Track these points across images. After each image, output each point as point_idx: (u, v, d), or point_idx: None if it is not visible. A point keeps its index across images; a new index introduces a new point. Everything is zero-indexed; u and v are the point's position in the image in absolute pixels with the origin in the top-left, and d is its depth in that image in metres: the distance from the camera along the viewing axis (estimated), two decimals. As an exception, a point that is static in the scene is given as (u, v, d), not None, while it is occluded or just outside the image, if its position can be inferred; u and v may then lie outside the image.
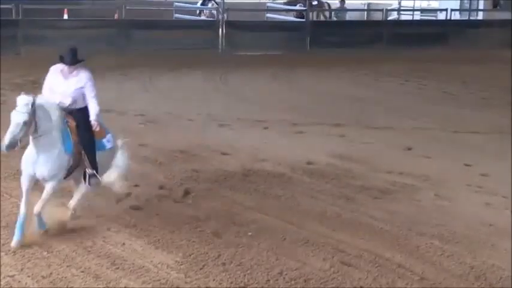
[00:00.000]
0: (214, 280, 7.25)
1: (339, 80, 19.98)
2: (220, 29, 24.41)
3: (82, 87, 8.08)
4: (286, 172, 10.95)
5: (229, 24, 24.83)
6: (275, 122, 14.35)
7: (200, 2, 28.52)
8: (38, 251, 7.63)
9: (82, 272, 7.26)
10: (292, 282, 7.29)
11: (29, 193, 7.84)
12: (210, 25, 25.65)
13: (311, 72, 20.81)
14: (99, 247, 7.85)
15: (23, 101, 7.51)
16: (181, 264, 7.53)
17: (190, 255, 7.74)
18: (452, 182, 10.70)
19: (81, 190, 8.39)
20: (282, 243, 8.22)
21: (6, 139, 7.34)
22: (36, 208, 7.76)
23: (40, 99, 7.73)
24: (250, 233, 8.44)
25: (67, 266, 7.35)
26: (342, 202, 9.73)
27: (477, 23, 28.72)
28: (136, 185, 9.95)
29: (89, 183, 8.22)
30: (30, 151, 7.80)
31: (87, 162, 8.11)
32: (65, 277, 7.14)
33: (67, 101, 8.03)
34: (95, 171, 8.15)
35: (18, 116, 7.44)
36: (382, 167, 11.33)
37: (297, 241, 8.28)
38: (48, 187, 7.84)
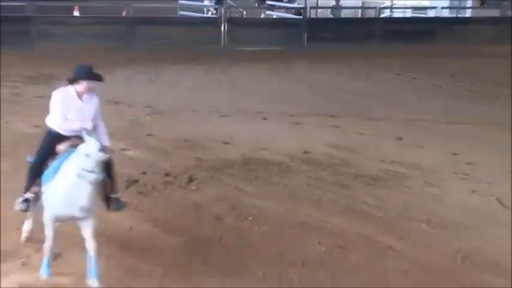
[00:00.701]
0: (216, 262, 7.30)
1: (335, 74, 19.95)
2: (222, 26, 24.42)
3: (96, 109, 6.96)
4: (284, 161, 10.97)
5: (231, 21, 24.85)
6: (274, 113, 14.36)
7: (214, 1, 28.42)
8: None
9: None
10: (290, 263, 7.34)
11: None
12: (213, 22, 25.65)
13: (308, 67, 20.81)
14: (109, 231, 7.85)
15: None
16: (186, 246, 7.58)
17: (194, 238, 7.78)
18: (441, 170, 10.73)
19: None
20: (280, 228, 8.27)
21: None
22: (94, 251, 6.74)
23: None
24: (250, 218, 8.49)
25: (78, 251, 7.33)
26: (337, 189, 9.77)
27: (465, 20, 28.64)
28: (143, 173, 10.01)
29: (116, 209, 7.19)
30: (66, 189, 6.51)
31: (108, 185, 7.02)
32: (75, 260, 7.13)
33: (88, 126, 6.71)
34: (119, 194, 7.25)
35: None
36: (374, 156, 11.35)
37: (295, 225, 8.33)
38: (92, 224, 6.75)
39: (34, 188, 6.99)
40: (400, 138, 12.61)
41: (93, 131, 6.69)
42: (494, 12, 28.51)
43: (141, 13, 24.81)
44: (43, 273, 6.84)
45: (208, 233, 7.98)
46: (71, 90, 6.86)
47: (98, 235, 7.63)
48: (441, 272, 7.29)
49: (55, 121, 6.92)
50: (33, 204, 7.06)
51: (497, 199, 9.48)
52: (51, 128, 7.00)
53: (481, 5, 30.95)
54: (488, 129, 13.41)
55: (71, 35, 22.33)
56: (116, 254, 7.33)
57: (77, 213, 6.60)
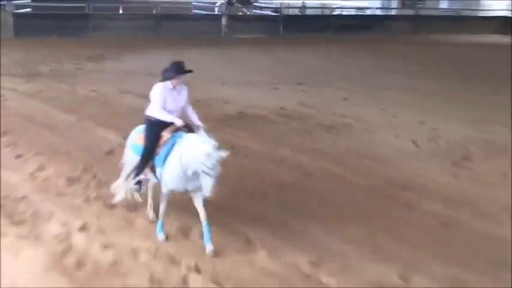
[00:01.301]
0: (222, 185, 7.20)
1: (302, 54, 19.70)
2: (223, 20, 24.20)
3: (186, 97, 6.09)
4: (266, 114, 10.83)
5: (229, 17, 24.64)
6: (259, 81, 14.16)
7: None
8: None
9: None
10: (270, 186, 7.26)
11: None
12: (217, 17, 25.46)
13: (283, 49, 20.54)
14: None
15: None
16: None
17: (204, 170, 7.65)
18: (375, 121, 10.61)
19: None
20: (262, 162, 8.17)
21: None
22: (205, 218, 5.69)
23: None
24: (243, 155, 8.37)
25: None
26: (304, 135, 9.66)
27: (392, 17, 28.71)
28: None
29: None
30: (185, 173, 5.56)
31: None
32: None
33: (180, 123, 5.89)
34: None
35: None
36: (330, 112, 11.22)
37: (274, 161, 8.23)
38: (202, 195, 5.62)
39: (145, 171, 5.92)
40: (346, 99, 12.47)
41: (185, 117, 5.88)
42: (410, 11, 28.94)
43: (166, 11, 24.50)
44: (158, 233, 5.82)
45: (214, 166, 7.85)
46: (168, 83, 5.94)
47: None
48: (375, 193, 7.22)
49: (155, 110, 5.88)
50: (144, 184, 6.05)
51: (413, 141, 9.38)
52: (150, 117, 5.90)
53: (402, 6, 31.46)
54: (407, 93, 13.30)
55: (117, 27, 22.09)
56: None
57: (190, 188, 5.65)
